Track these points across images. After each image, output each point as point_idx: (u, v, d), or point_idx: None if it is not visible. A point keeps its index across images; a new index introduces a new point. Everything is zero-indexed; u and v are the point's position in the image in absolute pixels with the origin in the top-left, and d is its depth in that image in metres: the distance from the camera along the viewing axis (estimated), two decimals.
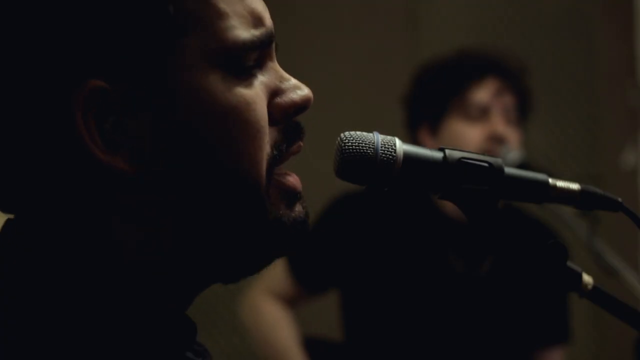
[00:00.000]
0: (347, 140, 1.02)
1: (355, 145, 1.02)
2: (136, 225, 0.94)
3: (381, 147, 1.02)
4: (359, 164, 1.02)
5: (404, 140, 1.04)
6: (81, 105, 0.90)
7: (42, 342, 0.89)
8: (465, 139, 2.58)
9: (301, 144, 1.00)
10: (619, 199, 1.10)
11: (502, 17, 3.77)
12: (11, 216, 0.98)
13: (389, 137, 1.03)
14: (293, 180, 1.00)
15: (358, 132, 1.03)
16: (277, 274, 2.70)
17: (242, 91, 0.94)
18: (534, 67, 3.56)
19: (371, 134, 1.03)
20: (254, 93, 0.96)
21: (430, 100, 2.66)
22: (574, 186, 1.08)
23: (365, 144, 1.02)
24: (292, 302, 2.72)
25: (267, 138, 0.97)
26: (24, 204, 0.95)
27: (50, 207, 0.94)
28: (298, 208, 1.00)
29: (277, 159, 0.98)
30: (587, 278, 1.09)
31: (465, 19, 3.78)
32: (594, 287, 1.09)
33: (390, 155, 1.02)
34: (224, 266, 0.99)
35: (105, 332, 0.91)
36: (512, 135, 2.62)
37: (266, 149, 0.96)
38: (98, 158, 0.91)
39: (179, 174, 0.93)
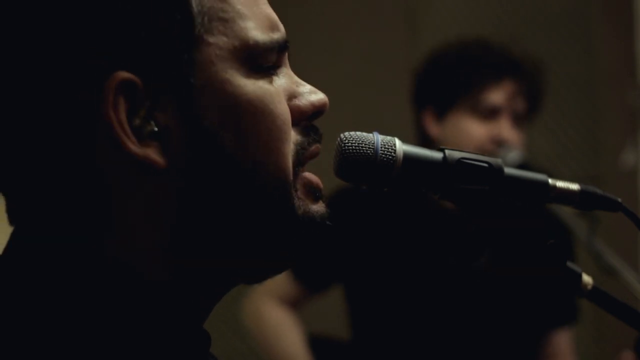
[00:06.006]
0: (347, 141, 1.02)
1: (355, 146, 1.02)
2: (163, 222, 0.93)
3: (381, 147, 1.02)
4: (359, 164, 1.02)
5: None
6: (111, 99, 0.90)
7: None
8: (470, 134, 2.55)
9: (319, 146, 1.01)
10: (619, 199, 1.10)
11: (501, 17, 3.76)
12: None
13: (388, 138, 1.03)
14: (315, 177, 1.01)
15: (358, 133, 1.03)
16: (277, 276, 2.68)
17: (266, 85, 0.96)
18: None
19: (371, 134, 1.03)
20: (276, 89, 0.97)
21: (443, 88, 2.61)
22: (574, 186, 1.08)
23: (365, 144, 1.02)
24: (294, 303, 2.70)
25: (291, 133, 0.98)
26: (43, 203, 0.94)
27: (69, 208, 0.93)
28: (322, 204, 1.01)
29: (299, 158, 0.98)
30: (587, 278, 1.09)
31: (464, 19, 3.78)
32: (594, 287, 1.09)
33: (390, 155, 1.02)
34: (252, 263, 0.99)
35: (115, 344, 0.90)
36: (515, 138, 2.61)
37: (291, 144, 0.97)
38: (131, 151, 0.91)
39: (207, 168, 0.93)
